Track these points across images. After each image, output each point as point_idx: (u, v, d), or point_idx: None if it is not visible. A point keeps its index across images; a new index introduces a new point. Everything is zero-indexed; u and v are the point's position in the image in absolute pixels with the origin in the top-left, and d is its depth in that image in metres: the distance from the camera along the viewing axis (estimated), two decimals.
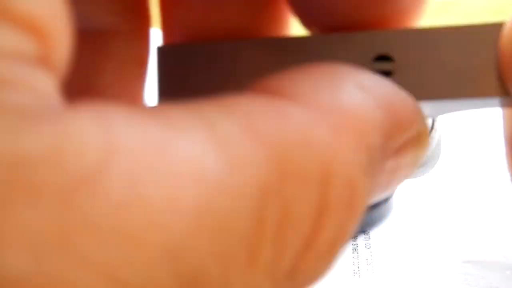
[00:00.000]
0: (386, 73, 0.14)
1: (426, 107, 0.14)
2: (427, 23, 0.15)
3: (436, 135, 0.23)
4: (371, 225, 0.41)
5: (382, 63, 0.14)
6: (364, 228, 0.40)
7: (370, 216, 0.41)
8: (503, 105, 0.15)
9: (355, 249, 0.38)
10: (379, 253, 0.38)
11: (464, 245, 0.39)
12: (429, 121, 0.23)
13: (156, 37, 0.16)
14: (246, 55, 0.15)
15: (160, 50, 0.16)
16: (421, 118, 0.13)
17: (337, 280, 0.35)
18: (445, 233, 0.39)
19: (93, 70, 0.16)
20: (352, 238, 0.39)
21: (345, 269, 0.36)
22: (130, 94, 0.16)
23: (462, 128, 0.48)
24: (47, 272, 0.08)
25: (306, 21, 0.15)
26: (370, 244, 0.39)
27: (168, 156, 0.09)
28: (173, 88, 0.16)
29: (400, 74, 0.14)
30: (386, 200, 0.42)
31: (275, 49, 0.15)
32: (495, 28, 0.14)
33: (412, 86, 0.14)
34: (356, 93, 0.11)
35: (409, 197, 0.45)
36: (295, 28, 0.16)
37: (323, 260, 0.11)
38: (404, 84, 0.14)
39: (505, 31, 0.14)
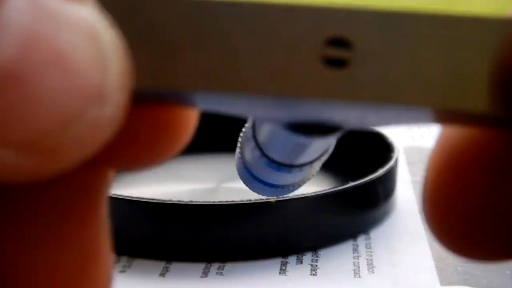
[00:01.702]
0: (340, 63, 0.11)
1: (383, 111, 0.12)
2: None
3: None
4: (371, 225, 0.41)
5: (336, 49, 0.11)
6: (364, 228, 0.40)
7: (370, 216, 0.41)
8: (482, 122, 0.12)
9: (355, 249, 0.38)
10: (379, 253, 0.38)
11: None
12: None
13: None
14: None
15: None
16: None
17: (337, 280, 0.35)
18: None
19: None
20: (352, 238, 0.39)
21: (346, 269, 0.36)
22: None
23: None
24: None
25: None
26: (370, 244, 0.39)
27: None
28: None
29: (357, 67, 0.11)
30: (386, 200, 0.42)
31: None
32: (496, 25, 0.11)
33: (370, 84, 0.11)
34: None
35: (410, 197, 0.45)
36: None
37: None
38: (360, 79, 0.11)
39: None
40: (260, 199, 0.35)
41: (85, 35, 0.09)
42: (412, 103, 0.11)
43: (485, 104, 0.11)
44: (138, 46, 0.11)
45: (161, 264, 0.36)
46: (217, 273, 0.36)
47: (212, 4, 0.11)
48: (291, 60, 0.11)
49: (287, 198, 0.36)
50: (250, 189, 0.20)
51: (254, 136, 0.18)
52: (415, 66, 0.11)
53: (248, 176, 0.19)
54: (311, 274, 0.35)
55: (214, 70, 0.11)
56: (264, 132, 0.17)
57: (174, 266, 0.36)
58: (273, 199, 0.36)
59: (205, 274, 0.35)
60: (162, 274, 0.35)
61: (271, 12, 0.11)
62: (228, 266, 0.36)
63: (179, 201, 0.36)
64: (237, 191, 0.41)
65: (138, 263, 0.36)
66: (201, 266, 0.36)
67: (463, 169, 0.13)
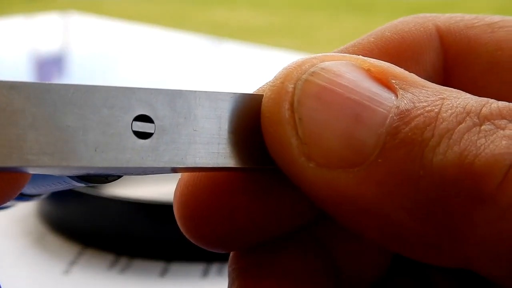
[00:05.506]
0: (145, 135, 0.13)
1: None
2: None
3: None
4: None
5: (142, 124, 0.13)
6: None
7: None
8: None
9: None
10: None
11: None
12: None
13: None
14: None
15: None
16: None
17: None
18: None
19: None
20: None
21: None
22: None
23: None
24: None
25: None
26: None
27: None
28: None
29: (158, 138, 0.14)
30: None
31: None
32: (256, 98, 0.15)
33: (168, 152, 0.14)
34: None
35: None
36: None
37: None
38: (162, 148, 0.14)
39: (264, 103, 0.14)
40: None
41: None
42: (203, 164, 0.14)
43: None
44: None
45: (161, 264, 0.36)
46: (217, 273, 0.36)
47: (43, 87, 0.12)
48: (110, 134, 0.13)
49: None
50: None
51: None
52: (198, 135, 0.14)
53: None
54: None
55: (49, 147, 0.12)
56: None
57: (174, 266, 0.36)
58: None
59: (205, 274, 0.36)
60: (162, 274, 0.35)
61: (93, 93, 0.13)
62: None
63: None
64: None
65: (138, 263, 0.36)
66: (201, 266, 0.36)
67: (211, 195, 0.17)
